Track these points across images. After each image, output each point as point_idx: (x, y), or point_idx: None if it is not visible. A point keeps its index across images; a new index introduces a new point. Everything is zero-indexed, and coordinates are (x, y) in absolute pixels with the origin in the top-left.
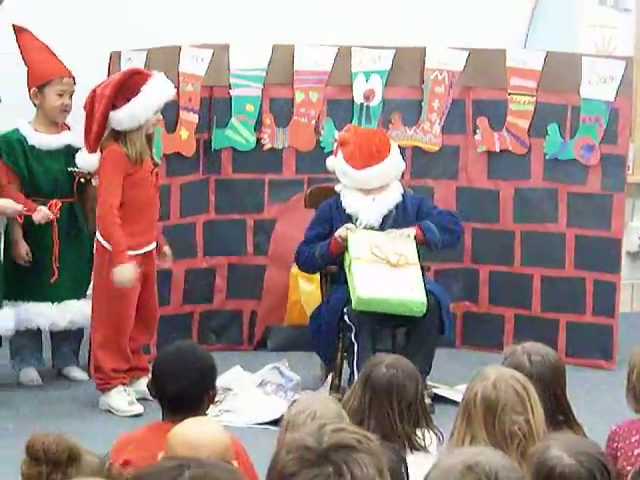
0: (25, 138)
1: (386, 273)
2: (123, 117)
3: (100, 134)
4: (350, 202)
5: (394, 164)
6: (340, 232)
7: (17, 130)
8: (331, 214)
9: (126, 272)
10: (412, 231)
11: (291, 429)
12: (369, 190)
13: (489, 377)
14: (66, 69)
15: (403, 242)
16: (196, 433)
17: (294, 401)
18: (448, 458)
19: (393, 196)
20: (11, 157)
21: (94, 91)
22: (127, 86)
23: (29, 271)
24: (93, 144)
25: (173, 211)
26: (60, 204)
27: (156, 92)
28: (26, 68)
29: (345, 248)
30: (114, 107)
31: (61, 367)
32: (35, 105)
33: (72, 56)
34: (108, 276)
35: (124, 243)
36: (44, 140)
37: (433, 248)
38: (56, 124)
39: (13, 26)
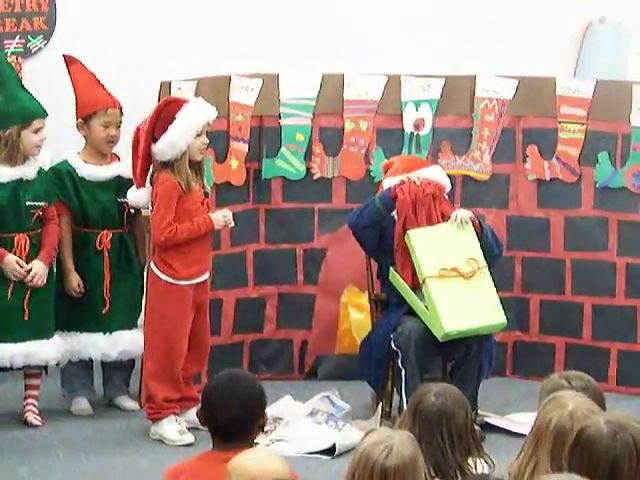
0: (74, 169)
1: (462, 293)
2: (163, 147)
3: (145, 169)
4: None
5: (440, 173)
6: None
7: (66, 161)
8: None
9: (219, 216)
10: (468, 213)
11: (365, 459)
12: None
13: (567, 405)
14: (112, 100)
15: (464, 233)
16: (256, 465)
17: (371, 430)
18: None
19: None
20: (61, 189)
21: (138, 129)
22: (163, 116)
23: (81, 302)
24: (140, 179)
25: (223, 240)
26: (110, 235)
27: (192, 116)
28: (74, 99)
29: (410, 251)
30: (155, 140)
31: (112, 397)
32: (84, 137)
33: (122, 87)
34: (163, 306)
35: (190, 224)
36: (94, 171)
37: (484, 240)
38: (104, 155)
39: (64, 56)
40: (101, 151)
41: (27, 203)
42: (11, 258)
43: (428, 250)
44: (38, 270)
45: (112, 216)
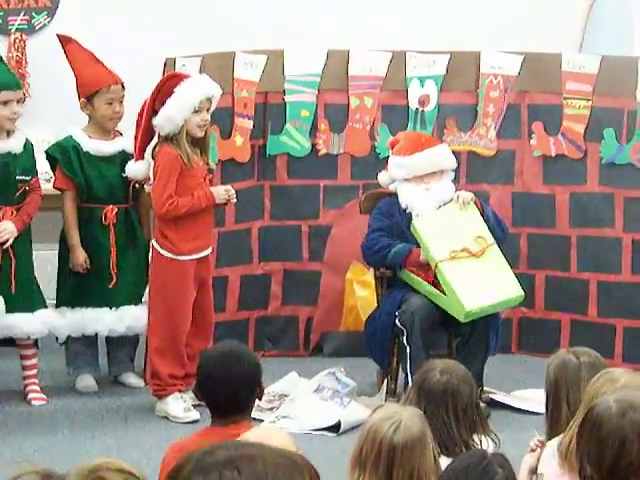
0: (79, 145)
1: (476, 271)
2: (161, 121)
3: (144, 141)
4: (404, 195)
5: (445, 153)
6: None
7: (71, 137)
8: (392, 210)
9: (221, 190)
10: (470, 194)
11: (373, 434)
12: (422, 179)
13: (618, 380)
14: (113, 76)
15: (468, 213)
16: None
17: (380, 406)
18: None
19: (447, 189)
20: (67, 164)
21: (145, 102)
22: (163, 91)
23: (87, 277)
24: (138, 152)
25: (228, 217)
26: (116, 210)
27: (188, 92)
28: (74, 79)
29: (419, 241)
30: (155, 113)
31: (117, 374)
32: (88, 115)
33: (127, 63)
34: (164, 282)
35: (190, 198)
36: (99, 146)
37: (486, 223)
38: (108, 131)
39: (58, 36)
40: (106, 128)
41: (17, 177)
42: None
43: (435, 235)
44: (6, 226)
45: (117, 191)
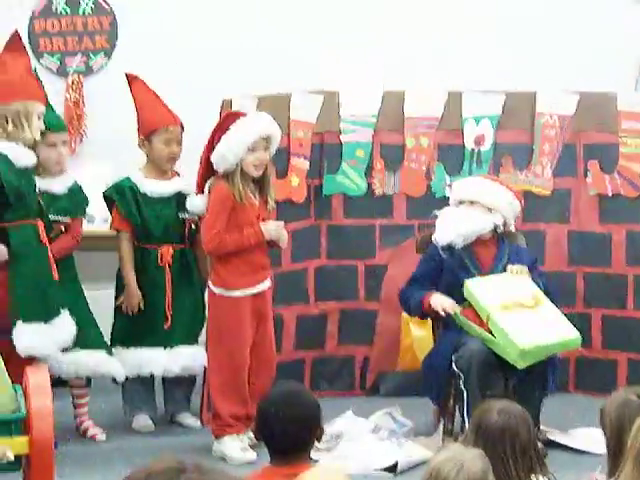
0: (136, 185)
1: (530, 317)
2: (216, 158)
3: (204, 176)
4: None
5: (493, 189)
6: (445, 306)
7: (128, 178)
8: (437, 251)
9: (271, 226)
10: (523, 267)
11: (435, 475)
12: (460, 204)
13: None
14: (172, 117)
15: (522, 281)
16: None
17: (443, 447)
18: None
19: (476, 221)
20: (124, 204)
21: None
22: (221, 128)
23: (142, 317)
24: (198, 186)
25: (284, 257)
26: (172, 250)
27: (242, 131)
28: (136, 116)
29: (469, 299)
30: (214, 150)
31: (174, 413)
32: (146, 154)
33: (184, 104)
34: (220, 319)
35: (239, 236)
36: (155, 187)
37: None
38: (165, 171)
39: (126, 75)
40: (162, 168)
41: (51, 216)
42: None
43: (488, 292)
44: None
45: (173, 231)
